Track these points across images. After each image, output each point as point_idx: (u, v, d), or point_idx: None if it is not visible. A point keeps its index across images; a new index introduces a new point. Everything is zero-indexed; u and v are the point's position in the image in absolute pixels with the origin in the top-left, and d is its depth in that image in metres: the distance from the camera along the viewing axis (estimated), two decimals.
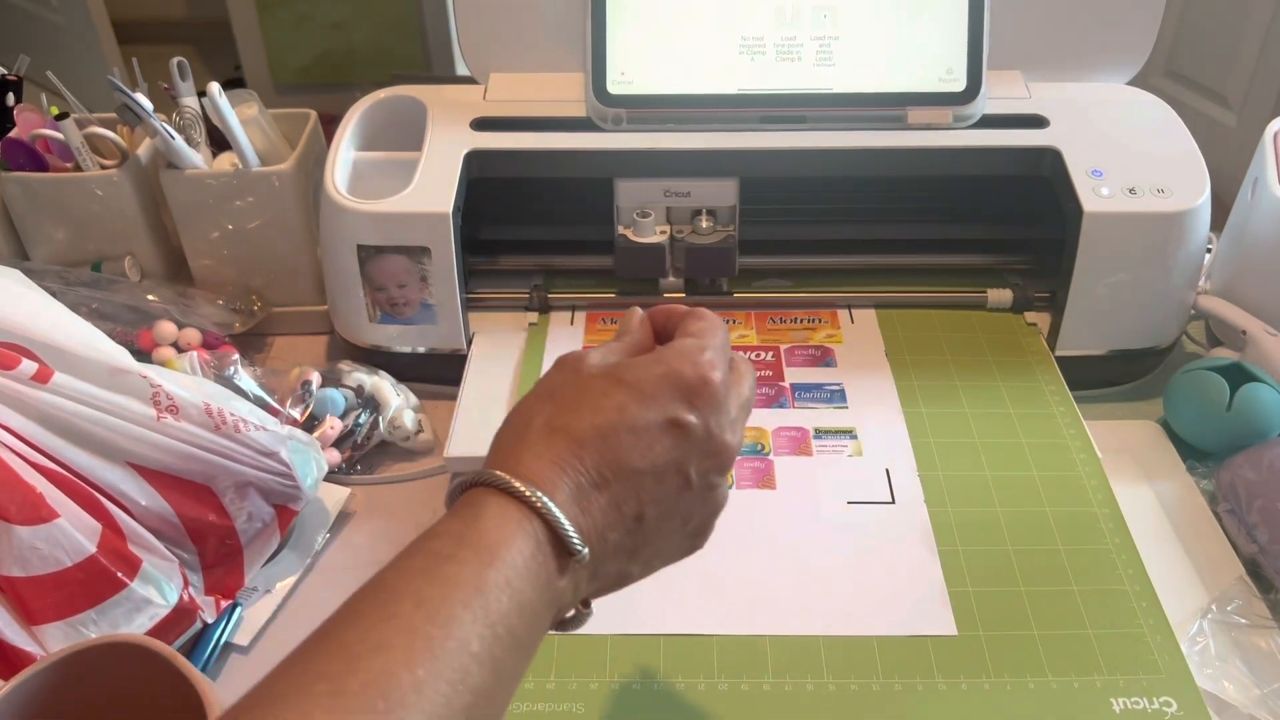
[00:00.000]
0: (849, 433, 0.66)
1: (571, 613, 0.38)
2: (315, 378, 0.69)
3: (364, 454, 0.69)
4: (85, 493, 0.51)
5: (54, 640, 0.50)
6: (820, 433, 0.66)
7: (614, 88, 0.72)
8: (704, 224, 0.74)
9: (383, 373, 0.72)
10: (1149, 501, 0.64)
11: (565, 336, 0.74)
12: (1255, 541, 0.59)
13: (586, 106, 0.73)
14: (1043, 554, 0.58)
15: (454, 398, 0.69)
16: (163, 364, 0.69)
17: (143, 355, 0.70)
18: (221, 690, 0.46)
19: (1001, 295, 0.75)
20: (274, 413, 0.65)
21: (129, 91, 0.70)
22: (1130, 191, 0.67)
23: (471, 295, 0.74)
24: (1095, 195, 0.67)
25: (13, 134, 0.74)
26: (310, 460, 0.61)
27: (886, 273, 0.78)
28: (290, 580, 0.61)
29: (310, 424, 0.67)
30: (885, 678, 0.52)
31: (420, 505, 0.66)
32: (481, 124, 0.73)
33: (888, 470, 0.63)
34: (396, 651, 0.29)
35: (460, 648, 0.30)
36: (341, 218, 0.68)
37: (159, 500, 0.54)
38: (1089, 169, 0.68)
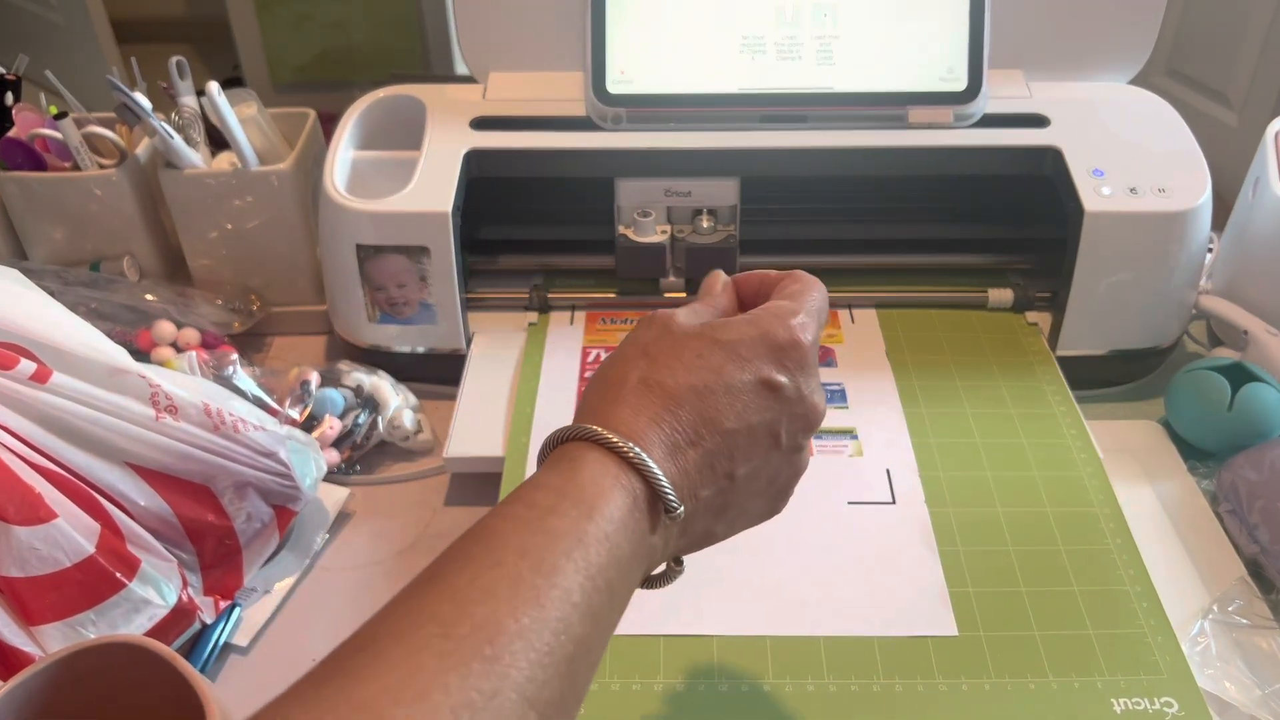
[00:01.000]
0: (849, 433, 0.65)
1: (662, 568, 0.39)
2: (314, 378, 0.69)
3: (363, 454, 0.69)
4: (84, 493, 0.51)
5: (53, 641, 0.49)
6: (820, 433, 0.65)
7: (614, 87, 0.72)
8: (705, 224, 0.74)
9: (382, 372, 0.72)
10: (1150, 502, 0.64)
11: (565, 336, 0.73)
12: (1256, 542, 0.59)
13: (586, 106, 0.73)
14: (1043, 554, 0.58)
15: (453, 398, 0.69)
16: (161, 364, 0.69)
17: (141, 355, 0.70)
18: (220, 690, 0.46)
19: (1002, 295, 0.75)
20: (273, 413, 0.65)
21: (128, 91, 0.70)
22: (1131, 191, 0.67)
23: (471, 295, 0.74)
24: (1096, 195, 0.67)
25: (11, 133, 0.74)
26: (309, 460, 0.61)
27: (887, 272, 0.77)
28: (289, 581, 0.61)
29: (309, 424, 0.67)
30: (885, 678, 0.52)
31: (420, 505, 0.66)
32: (481, 123, 0.73)
33: (888, 470, 0.63)
34: (502, 599, 0.30)
35: (563, 597, 0.31)
36: (341, 217, 0.68)
37: (158, 500, 0.54)
38: (1090, 168, 0.68)
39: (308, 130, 0.78)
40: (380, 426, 0.69)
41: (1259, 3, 1.73)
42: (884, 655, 0.53)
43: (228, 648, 0.57)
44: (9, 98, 0.76)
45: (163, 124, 0.71)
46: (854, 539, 0.59)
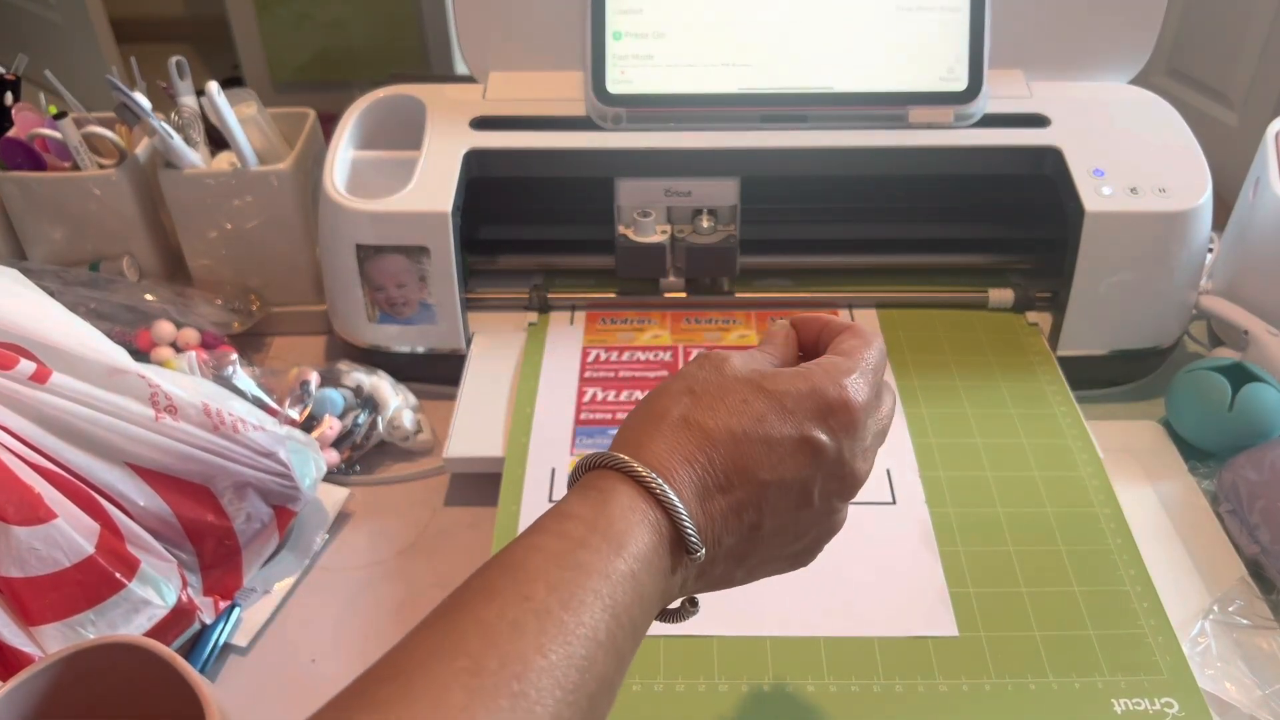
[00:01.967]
0: None
1: (677, 604, 0.38)
2: (314, 378, 0.69)
3: (363, 454, 0.69)
4: (83, 493, 0.51)
5: (52, 641, 0.49)
6: None
7: (614, 87, 0.72)
8: (705, 223, 0.74)
9: (382, 373, 0.72)
10: (1150, 502, 0.64)
11: (565, 336, 0.73)
12: (1257, 542, 0.59)
13: (586, 106, 0.73)
14: (1044, 554, 0.58)
15: (453, 398, 0.69)
16: (161, 364, 0.69)
17: (141, 355, 0.70)
18: (220, 691, 0.46)
19: (1003, 295, 0.75)
20: (272, 413, 0.65)
21: (127, 90, 0.70)
22: (1132, 191, 0.67)
23: (471, 295, 0.74)
24: (1097, 195, 0.67)
25: (11, 133, 0.74)
26: (309, 460, 0.61)
27: (887, 272, 0.77)
28: (289, 581, 0.61)
29: (309, 424, 0.67)
30: (886, 678, 0.52)
31: (419, 505, 0.66)
32: (481, 123, 0.73)
33: (888, 470, 0.63)
34: (530, 634, 0.30)
35: (590, 635, 0.31)
36: (340, 217, 0.68)
37: (157, 500, 0.54)
38: (1090, 168, 0.68)
39: (307, 130, 0.78)
40: (380, 427, 0.69)
41: (1259, 3, 1.73)
42: (884, 656, 0.53)
43: (227, 648, 0.57)
44: (8, 98, 0.76)
45: (162, 124, 0.71)
46: (854, 539, 0.58)
